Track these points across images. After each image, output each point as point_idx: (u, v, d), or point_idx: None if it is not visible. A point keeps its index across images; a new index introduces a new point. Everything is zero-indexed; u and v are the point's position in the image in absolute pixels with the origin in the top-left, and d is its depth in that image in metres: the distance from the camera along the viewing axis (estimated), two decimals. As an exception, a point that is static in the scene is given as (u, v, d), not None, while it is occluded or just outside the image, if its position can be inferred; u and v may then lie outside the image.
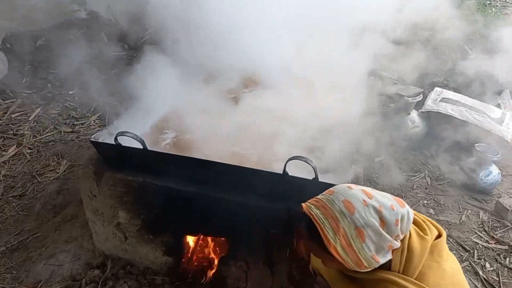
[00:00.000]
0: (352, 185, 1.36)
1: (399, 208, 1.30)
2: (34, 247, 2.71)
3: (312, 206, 1.33)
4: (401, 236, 1.32)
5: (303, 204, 1.37)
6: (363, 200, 1.29)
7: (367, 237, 1.26)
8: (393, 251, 1.32)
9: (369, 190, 1.34)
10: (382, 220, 1.27)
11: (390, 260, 1.33)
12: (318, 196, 1.37)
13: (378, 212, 1.28)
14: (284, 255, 2.10)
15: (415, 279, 1.31)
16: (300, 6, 3.28)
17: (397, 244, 1.31)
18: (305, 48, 3.34)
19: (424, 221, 1.43)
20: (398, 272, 1.33)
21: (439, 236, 1.41)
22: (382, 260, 1.29)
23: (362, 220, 1.26)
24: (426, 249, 1.34)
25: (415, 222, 1.41)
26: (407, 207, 1.35)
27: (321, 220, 1.29)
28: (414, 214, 1.44)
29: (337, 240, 1.27)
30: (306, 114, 2.77)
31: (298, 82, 3.19)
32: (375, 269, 1.32)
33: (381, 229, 1.27)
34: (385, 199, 1.32)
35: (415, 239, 1.35)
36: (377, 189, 3.20)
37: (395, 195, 3.13)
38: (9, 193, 3.19)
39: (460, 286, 1.37)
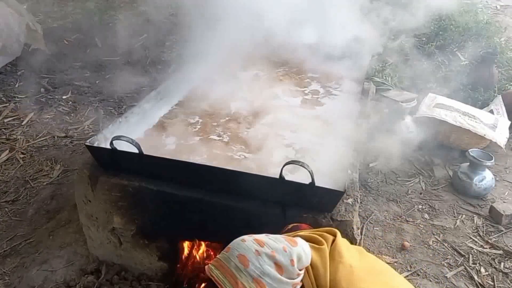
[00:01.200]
0: (246, 237, 1.39)
1: (291, 248, 1.35)
2: (27, 252, 2.68)
3: (213, 267, 1.36)
4: (302, 272, 1.36)
5: (206, 266, 1.40)
6: (256, 250, 1.33)
7: (268, 285, 1.29)
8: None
9: (261, 238, 1.38)
10: (278, 265, 1.32)
11: (303, 285, 1.38)
12: (218, 256, 1.40)
13: (271, 257, 1.32)
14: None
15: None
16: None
17: (300, 279, 1.35)
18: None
19: (321, 235, 1.51)
20: None
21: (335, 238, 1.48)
22: None
23: (258, 270, 1.30)
24: (326, 258, 1.41)
25: (310, 239, 1.48)
26: (301, 243, 1.41)
27: (221, 280, 1.32)
28: (309, 233, 1.52)
29: None
30: (303, 117, 2.79)
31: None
32: None
33: (278, 275, 1.30)
34: (277, 243, 1.36)
35: (313, 254, 1.41)
36: (371, 194, 3.24)
37: (390, 200, 3.16)
38: (2, 198, 3.16)
39: (373, 272, 1.44)
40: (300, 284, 1.36)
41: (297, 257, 1.35)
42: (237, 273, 1.31)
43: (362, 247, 1.62)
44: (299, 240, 1.42)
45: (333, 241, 1.48)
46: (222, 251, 1.40)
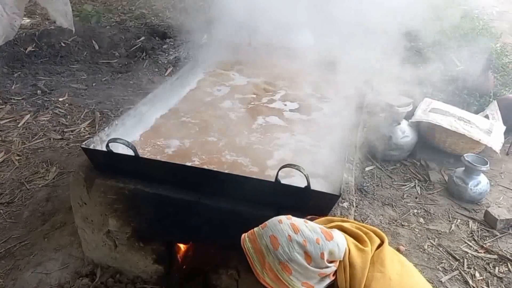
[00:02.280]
0: (284, 218, 1.40)
1: (325, 242, 1.34)
2: (22, 255, 2.67)
3: (247, 240, 1.40)
4: (333, 264, 1.35)
5: (243, 235, 1.43)
6: (288, 235, 1.33)
7: (294, 270, 1.31)
8: (336, 270, 1.37)
9: (299, 224, 1.38)
10: (307, 254, 1.31)
11: (336, 280, 1.38)
12: (255, 229, 1.42)
13: (302, 246, 1.32)
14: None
15: None
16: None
17: (331, 269, 1.35)
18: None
19: (366, 234, 1.47)
20: None
21: (382, 244, 1.45)
22: (318, 286, 1.34)
23: (286, 255, 1.31)
24: (367, 261, 1.38)
25: (355, 235, 1.46)
26: (337, 237, 1.38)
27: (251, 254, 1.37)
28: (356, 228, 1.49)
29: (265, 273, 1.34)
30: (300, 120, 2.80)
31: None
32: None
33: (306, 264, 1.31)
34: (312, 233, 1.35)
35: (354, 253, 1.39)
36: (367, 198, 3.24)
37: (385, 204, 3.17)
38: (-3, 200, 3.15)
39: (409, 286, 1.41)
40: (331, 276, 1.36)
41: (329, 252, 1.34)
42: (266, 252, 1.33)
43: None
44: (335, 234, 1.40)
45: (379, 246, 1.45)
46: (260, 226, 1.41)
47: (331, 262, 1.35)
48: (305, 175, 1.84)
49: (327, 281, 1.36)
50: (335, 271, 1.37)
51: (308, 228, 1.37)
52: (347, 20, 3.30)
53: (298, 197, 1.92)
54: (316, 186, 2.07)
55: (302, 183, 1.87)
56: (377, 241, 1.46)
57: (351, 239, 1.43)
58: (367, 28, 3.37)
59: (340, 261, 1.37)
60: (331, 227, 1.47)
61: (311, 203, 1.93)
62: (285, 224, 1.37)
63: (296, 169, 1.85)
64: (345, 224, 1.52)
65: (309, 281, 1.32)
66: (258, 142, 2.55)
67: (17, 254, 2.68)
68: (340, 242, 1.38)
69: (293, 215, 1.93)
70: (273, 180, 1.91)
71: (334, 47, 3.35)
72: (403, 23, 3.47)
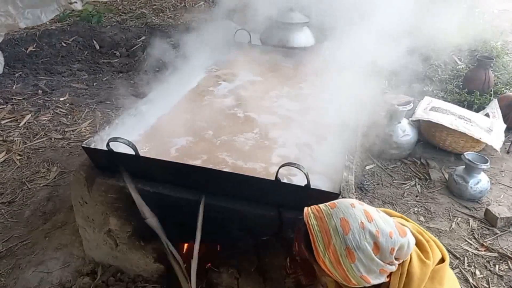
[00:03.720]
0: (356, 203, 1.33)
1: (398, 237, 1.28)
2: (23, 254, 2.68)
3: (312, 216, 1.32)
4: (396, 262, 1.30)
5: (305, 208, 1.36)
6: (361, 222, 1.26)
7: (358, 259, 1.25)
8: (391, 274, 1.31)
9: (372, 212, 1.31)
10: (377, 246, 1.25)
11: (389, 283, 1.31)
12: (321, 206, 1.36)
13: (374, 237, 1.25)
14: (277, 261, 2.11)
15: None
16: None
17: (392, 268, 1.29)
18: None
19: (428, 242, 1.40)
20: None
21: (442, 260, 1.38)
22: (374, 281, 1.28)
23: (355, 242, 1.24)
24: (426, 274, 1.32)
25: (418, 243, 1.38)
26: (409, 236, 1.32)
27: (315, 232, 1.29)
28: (420, 233, 1.41)
29: (326, 255, 1.27)
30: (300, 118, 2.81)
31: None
32: None
33: (373, 255, 1.25)
34: (386, 225, 1.28)
35: (415, 263, 1.33)
36: (367, 197, 3.24)
37: (386, 203, 3.17)
38: (-2, 200, 3.17)
39: None
40: (386, 278, 1.31)
41: (399, 248, 1.28)
42: (334, 234, 1.26)
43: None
44: (408, 232, 1.33)
45: (440, 261, 1.37)
46: (326, 204, 1.35)
47: (396, 260, 1.30)
48: (305, 174, 1.84)
49: (383, 279, 1.30)
50: (391, 273, 1.32)
51: (382, 219, 1.30)
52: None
53: (298, 196, 1.93)
54: (317, 184, 2.09)
55: (303, 182, 1.87)
56: (439, 255, 1.38)
57: (414, 246, 1.36)
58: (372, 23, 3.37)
59: (399, 265, 1.32)
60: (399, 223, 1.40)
61: (311, 202, 1.93)
62: (358, 209, 1.30)
63: (296, 167, 1.86)
64: (407, 224, 1.45)
65: (368, 274, 1.27)
66: (259, 140, 2.55)
67: (18, 253, 2.69)
68: (411, 241, 1.32)
69: (293, 214, 1.95)
70: (273, 178, 1.91)
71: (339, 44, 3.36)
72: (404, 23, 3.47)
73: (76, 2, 5.23)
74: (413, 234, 1.38)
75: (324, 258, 1.27)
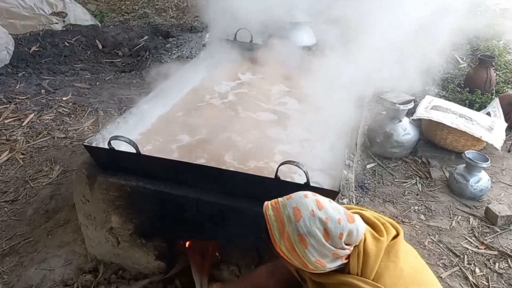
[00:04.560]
0: (310, 194, 1.43)
1: (346, 223, 1.36)
2: (26, 252, 2.70)
3: (270, 207, 1.44)
4: (348, 247, 1.38)
5: (266, 202, 1.46)
6: (312, 210, 1.36)
7: (310, 245, 1.34)
8: (349, 255, 1.39)
9: (323, 201, 1.41)
10: (327, 232, 1.34)
11: (348, 264, 1.40)
12: (279, 199, 1.46)
13: (323, 223, 1.35)
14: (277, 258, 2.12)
15: (373, 280, 1.37)
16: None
17: (344, 252, 1.37)
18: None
19: (384, 224, 1.49)
20: (357, 275, 1.39)
21: (398, 236, 1.47)
22: (330, 265, 1.37)
23: (306, 228, 1.34)
24: (381, 250, 1.40)
25: (372, 224, 1.49)
26: (358, 222, 1.41)
27: (271, 222, 1.40)
28: (373, 217, 1.52)
29: (282, 242, 1.38)
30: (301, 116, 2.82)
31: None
32: (336, 273, 1.41)
33: (323, 240, 1.34)
34: (335, 212, 1.38)
35: (370, 241, 1.41)
36: (368, 195, 3.25)
37: (386, 201, 3.18)
38: (1, 198, 3.18)
39: (421, 284, 1.43)
40: (344, 259, 1.39)
41: (348, 233, 1.36)
42: (287, 222, 1.36)
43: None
44: (357, 218, 1.42)
45: (394, 237, 1.47)
46: (285, 197, 1.45)
47: (347, 245, 1.37)
48: (304, 172, 1.86)
49: (339, 262, 1.38)
50: (348, 255, 1.40)
51: (332, 207, 1.39)
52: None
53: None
54: (316, 181, 2.10)
55: (303, 180, 1.89)
56: (393, 232, 1.48)
57: (368, 227, 1.46)
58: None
59: (355, 247, 1.40)
60: (352, 213, 1.49)
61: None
62: (310, 199, 1.40)
63: (296, 165, 1.87)
64: (364, 213, 1.55)
65: (322, 259, 1.35)
66: (260, 138, 2.56)
67: (21, 251, 2.72)
68: (360, 227, 1.40)
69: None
70: (272, 176, 1.93)
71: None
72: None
73: (57, 23, 5.40)
74: (368, 218, 1.50)
75: (281, 245, 1.38)
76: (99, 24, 6.15)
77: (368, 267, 1.38)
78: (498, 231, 3.00)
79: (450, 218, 3.13)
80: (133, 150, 2.06)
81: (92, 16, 6.52)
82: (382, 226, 1.48)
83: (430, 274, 1.51)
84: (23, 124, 4.16)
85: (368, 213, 1.55)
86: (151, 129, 2.62)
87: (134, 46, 6.08)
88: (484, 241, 2.91)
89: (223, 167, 2.24)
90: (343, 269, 1.41)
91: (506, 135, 3.87)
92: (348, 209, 1.53)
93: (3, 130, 4.05)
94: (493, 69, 4.79)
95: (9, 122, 4.20)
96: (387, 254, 1.41)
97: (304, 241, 1.33)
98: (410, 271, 1.42)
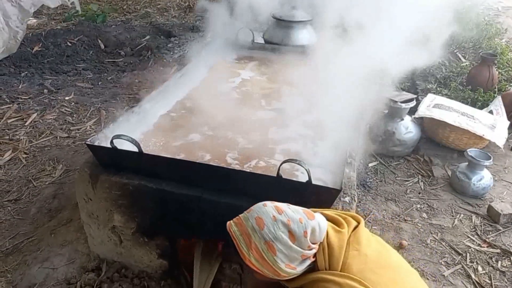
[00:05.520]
0: (268, 203, 1.48)
1: (307, 221, 1.41)
2: (29, 250, 2.72)
3: (233, 224, 1.46)
4: (314, 246, 1.41)
5: (228, 222, 1.48)
6: (273, 216, 1.41)
7: (278, 251, 1.37)
8: (316, 253, 1.43)
9: (282, 206, 1.46)
10: (291, 233, 1.38)
11: (316, 262, 1.43)
12: (240, 215, 1.49)
13: (286, 226, 1.39)
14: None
15: (340, 270, 1.40)
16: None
17: (310, 252, 1.40)
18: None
19: (345, 219, 1.55)
20: (325, 269, 1.42)
21: (358, 225, 1.53)
22: (299, 268, 1.41)
23: (271, 234, 1.37)
24: (343, 241, 1.45)
25: (332, 220, 1.54)
26: (318, 218, 1.46)
27: (237, 237, 1.42)
28: (338, 215, 1.57)
29: (251, 254, 1.39)
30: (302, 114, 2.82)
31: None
32: (306, 274, 1.44)
33: (290, 242, 1.37)
34: (295, 214, 1.43)
35: (332, 234, 1.46)
36: (370, 194, 3.26)
37: (388, 200, 3.18)
38: (5, 198, 3.20)
39: (386, 266, 1.46)
40: (311, 258, 1.42)
41: (311, 230, 1.40)
42: (252, 233, 1.39)
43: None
44: (317, 215, 1.47)
45: (356, 227, 1.52)
46: (245, 211, 1.48)
47: (313, 244, 1.41)
48: (306, 170, 1.86)
49: (308, 262, 1.42)
50: (315, 254, 1.43)
51: (291, 209, 1.45)
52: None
53: (299, 192, 1.94)
54: (318, 179, 2.11)
55: (305, 178, 1.89)
56: (354, 223, 1.53)
57: (329, 223, 1.51)
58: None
59: (320, 244, 1.44)
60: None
61: (313, 198, 1.95)
62: (269, 206, 1.45)
63: (298, 163, 1.88)
64: (326, 212, 1.60)
65: (292, 263, 1.39)
66: (262, 137, 2.57)
67: (24, 250, 2.73)
68: (321, 222, 1.45)
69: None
70: (274, 175, 1.93)
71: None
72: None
73: None
74: (329, 215, 1.55)
75: (250, 257, 1.40)
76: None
77: (334, 259, 1.41)
78: (500, 229, 3.00)
79: (453, 216, 3.13)
80: (135, 149, 2.06)
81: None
82: (343, 220, 1.54)
83: (396, 256, 1.55)
84: (26, 124, 4.18)
85: (329, 212, 1.61)
86: (153, 128, 2.63)
87: (136, 46, 6.09)
88: (487, 239, 2.91)
89: (225, 166, 2.24)
90: (313, 268, 1.44)
91: (509, 133, 3.86)
92: (313, 211, 1.58)
93: (6, 130, 4.07)
94: (495, 67, 4.77)
95: (12, 121, 4.21)
96: (349, 244, 1.45)
97: (272, 248, 1.37)
98: (375, 255, 1.46)
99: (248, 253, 1.39)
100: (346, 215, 1.59)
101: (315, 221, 1.43)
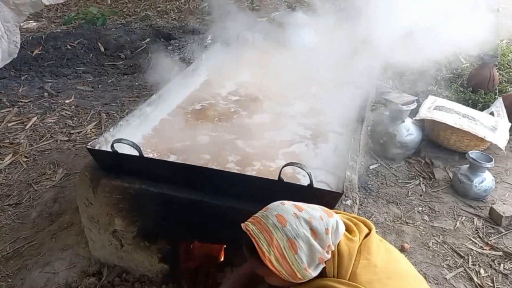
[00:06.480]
0: (285, 201, 1.47)
1: (328, 219, 1.42)
2: (30, 255, 2.71)
3: (249, 223, 1.44)
4: (332, 247, 1.41)
5: (242, 224, 1.46)
6: (294, 213, 1.40)
7: (299, 249, 1.36)
8: (326, 261, 1.42)
9: (300, 204, 1.46)
10: (313, 231, 1.38)
11: (325, 269, 1.43)
12: (255, 214, 1.47)
13: (308, 223, 1.38)
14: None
15: (348, 279, 1.40)
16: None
17: (327, 256, 1.40)
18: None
19: (356, 224, 1.55)
20: (333, 277, 1.42)
21: (370, 233, 1.52)
22: (314, 273, 1.40)
23: (294, 231, 1.36)
24: (354, 250, 1.44)
25: (346, 227, 1.51)
26: (336, 217, 1.46)
27: (256, 234, 1.39)
28: (349, 219, 1.57)
29: (271, 252, 1.36)
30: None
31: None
32: (314, 279, 1.42)
33: (312, 240, 1.37)
34: (315, 211, 1.43)
35: (343, 242, 1.45)
36: (371, 196, 3.25)
37: (390, 202, 3.18)
38: (5, 202, 3.19)
39: (394, 275, 1.46)
40: (326, 259, 1.41)
41: (332, 228, 1.40)
42: (274, 230, 1.37)
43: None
44: (334, 214, 1.47)
45: (367, 235, 1.51)
46: (260, 210, 1.47)
47: (333, 244, 1.41)
48: (307, 173, 1.86)
49: (320, 268, 1.42)
50: (326, 262, 1.42)
51: (310, 207, 1.45)
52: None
53: (301, 195, 1.93)
54: (320, 183, 2.10)
55: (306, 181, 1.89)
56: (365, 230, 1.52)
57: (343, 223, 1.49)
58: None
59: (332, 252, 1.43)
60: None
61: (314, 201, 1.94)
62: (288, 204, 1.44)
63: (299, 167, 1.87)
64: (339, 214, 1.58)
65: (309, 267, 1.37)
66: (263, 140, 2.56)
67: (25, 254, 2.72)
68: (339, 221, 1.45)
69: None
70: (276, 178, 1.92)
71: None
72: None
73: None
74: (342, 221, 1.51)
75: (270, 255, 1.36)
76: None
77: (343, 267, 1.41)
78: (502, 232, 2.99)
79: (454, 218, 3.12)
80: (136, 153, 2.06)
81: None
82: (355, 226, 1.53)
83: (404, 263, 1.56)
84: (26, 127, 4.17)
85: (342, 215, 1.60)
86: (154, 131, 2.62)
87: (136, 49, 6.09)
88: (489, 242, 2.90)
89: (226, 169, 2.24)
90: (321, 274, 1.44)
91: (510, 135, 3.85)
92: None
93: (7, 134, 4.06)
94: (496, 69, 4.77)
95: (12, 125, 4.21)
96: (360, 252, 1.45)
97: (294, 245, 1.35)
98: (384, 265, 1.46)
99: (268, 251, 1.36)
100: (357, 220, 1.58)
101: (334, 219, 1.43)
